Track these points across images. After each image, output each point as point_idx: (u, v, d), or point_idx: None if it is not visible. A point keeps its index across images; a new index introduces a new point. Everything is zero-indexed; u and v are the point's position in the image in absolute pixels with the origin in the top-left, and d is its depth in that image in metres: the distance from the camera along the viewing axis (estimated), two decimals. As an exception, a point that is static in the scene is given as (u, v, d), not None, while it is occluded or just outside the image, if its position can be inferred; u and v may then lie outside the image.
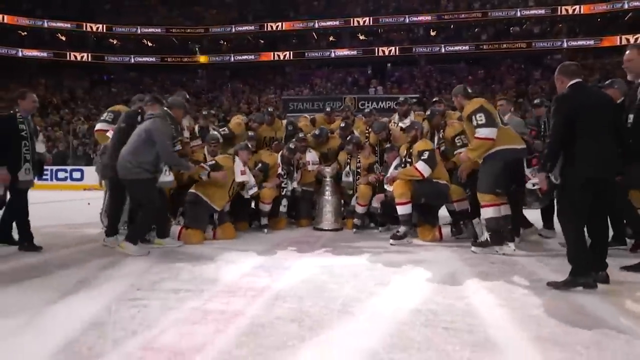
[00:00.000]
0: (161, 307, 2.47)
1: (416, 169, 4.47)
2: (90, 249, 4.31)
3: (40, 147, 4.28)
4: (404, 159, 4.86)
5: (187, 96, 5.59)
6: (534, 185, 3.15)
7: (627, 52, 3.39)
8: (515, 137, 4.14)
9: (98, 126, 5.17)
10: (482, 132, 3.91)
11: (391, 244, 4.47)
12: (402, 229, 4.55)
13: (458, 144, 4.67)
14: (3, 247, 4.25)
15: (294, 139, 5.84)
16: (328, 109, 6.89)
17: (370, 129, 5.90)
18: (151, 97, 4.49)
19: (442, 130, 4.88)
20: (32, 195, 4.45)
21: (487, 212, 4.00)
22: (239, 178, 4.86)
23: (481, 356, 1.84)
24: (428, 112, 5.08)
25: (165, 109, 4.39)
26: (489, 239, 4.02)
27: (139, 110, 4.44)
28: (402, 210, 4.53)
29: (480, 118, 3.90)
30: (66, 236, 5.06)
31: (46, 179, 15.89)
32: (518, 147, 4.05)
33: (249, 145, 5.19)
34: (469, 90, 4.30)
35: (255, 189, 5.09)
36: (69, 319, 2.27)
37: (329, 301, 2.59)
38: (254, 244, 4.51)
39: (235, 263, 3.68)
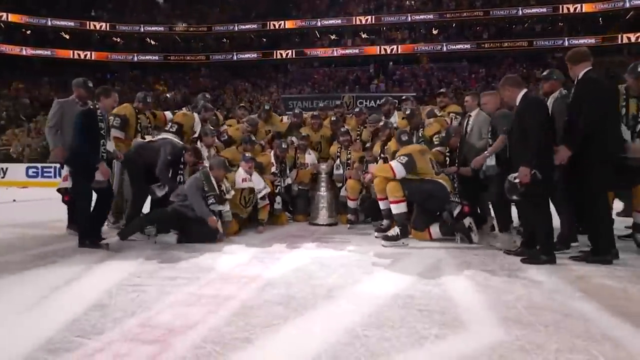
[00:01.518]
0: (158, 292, 2.65)
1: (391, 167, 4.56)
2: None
3: (110, 146, 4.37)
4: (378, 157, 5.12)
5: (208, 96, 6.03)
6: (515, 178, 3.36)
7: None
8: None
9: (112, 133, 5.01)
10: (395, 167, 4.34)
11: (375, 237, 4.66)
12: (385, 222, 4.74)
13: (436, 142, 4.92)
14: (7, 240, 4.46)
15: (296, 137, 6.07)
16: (321, 104, 7.14)
17: (361, 127, 6.16)
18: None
19: (421, 129, 5.10)
20: (38, 192, 4.65)
21: (396, 208, 4.36)
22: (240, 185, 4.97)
23: (446, 332, 2.02)
24: (408, 112, 5.29)
25: (207, 169, 4.63)
26: (399, 232, 4.26)
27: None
28: (383, 205, 4.70)
29: (402, 159, 4.35)
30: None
31: (49, 176, 16.17)
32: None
33: (226, 163, 4.93)
34: (404, 138, 4.68)
35: (267, 190, 5.19)
36: (73, 301, 2.46)
37: (315, 287, 2.77)
38: (250, 238, 4.69)
39: (230, 254, 3.88)
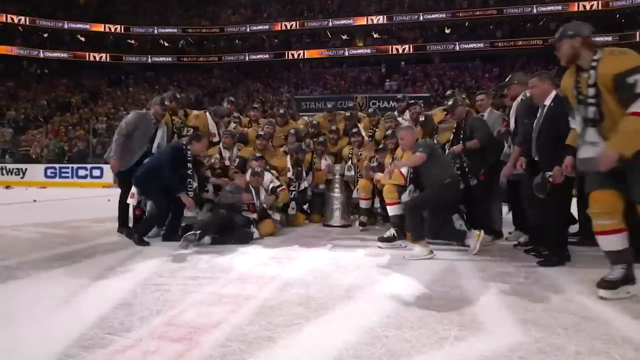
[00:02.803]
0: (181, 291, 2.73)
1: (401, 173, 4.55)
2: (113, 241, 4.60)
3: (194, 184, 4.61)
4: (389, 165, 5.05)
5: (232, 99, 6.51)
6: (549, 176, 3.28)
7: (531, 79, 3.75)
8: None
9: None
10: (406, 173, 4.37)
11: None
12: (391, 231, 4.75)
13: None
14: (23, 241, 4.60)
15: (313, 142, 6.14)
16: (330, 106, 7.13)
17: (374, 128, 6.20)
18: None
19: (435, 134, 5.08)
20: (57, 192, 4.78)
21: (392, 210, 4.51)
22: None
23: (466, 334, 2.05)
24: (422, 118, 5.23)
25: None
26: (395, 234, 4.31)
27: None
28: (391, 210, 4.68)
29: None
30: (90, 230, 5.39)
31: (67, 177, 16.51)
32: None
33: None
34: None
35: (275, 182, 5.26)
36: (100, 300, 2.54)
37: (333, 288, 2.81)
38: (267, 239, 4.76)
39: (248, 254, 3.95)
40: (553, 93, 3.47)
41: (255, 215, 4.75)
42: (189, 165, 4.38)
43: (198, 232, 4.08)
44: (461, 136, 4.58)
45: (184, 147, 4.47)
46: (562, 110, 3.34)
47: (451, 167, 4.15)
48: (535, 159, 3.56)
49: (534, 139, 3.57)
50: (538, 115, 3.57)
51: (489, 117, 4.85)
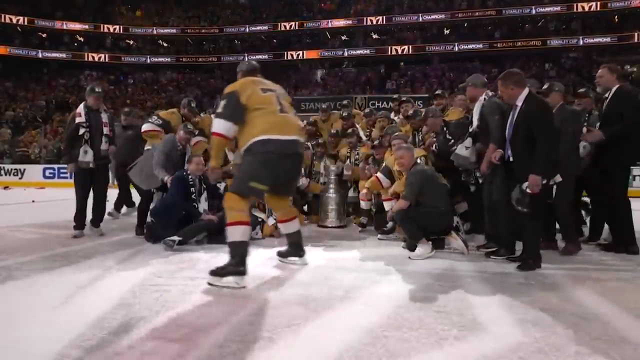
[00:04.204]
0: (180, 292, 2.72)
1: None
2: (112, 242, 4.61)
3: (202, 208, 4.61)
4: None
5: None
6: (526, 188, 3.17)
7: (599, 70, 4.02)
8: None
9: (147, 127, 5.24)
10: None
11: (379, 239, 4.76)
12: (389, 224, 4.78)
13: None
14: (23, 242, 4.58)
15: (312, 144, 6.13)
16: (324, 106, 7.09)
17: (370, 127, 6.24)
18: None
19: (420, 131, 5.09)
20: (55, 192, 4.77)
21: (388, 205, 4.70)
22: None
23: (465, 334, 2.05)
24: (410, 112, 5.25)
25: None
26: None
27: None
28: (387, 205, 4.75)
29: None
30: (89, 231, 5.36)
31: (65, 177, 16.43)
32: None
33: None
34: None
35: None
36: (99, 301, 2.54)
37: (332, 288, 2.81)
38: (266, 240, 4.76)
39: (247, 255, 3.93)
40: (525, 92, 3.37)
41: (263, 215, 4.83)
42: (192, 189, 4.45)
43: (178, 238, 4.13)
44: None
45: (184, 174, 4.50)
46: (532, 110, 3.30)
47: (445, 196, 4.04)
48: (511, 159, 3.47)
49: (508, 140, 3.48)
50: (511, 115, 3.46)
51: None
